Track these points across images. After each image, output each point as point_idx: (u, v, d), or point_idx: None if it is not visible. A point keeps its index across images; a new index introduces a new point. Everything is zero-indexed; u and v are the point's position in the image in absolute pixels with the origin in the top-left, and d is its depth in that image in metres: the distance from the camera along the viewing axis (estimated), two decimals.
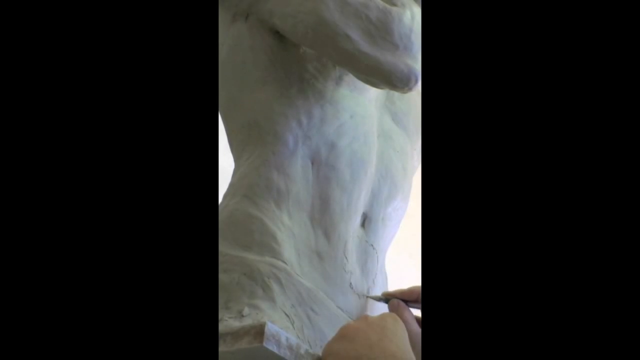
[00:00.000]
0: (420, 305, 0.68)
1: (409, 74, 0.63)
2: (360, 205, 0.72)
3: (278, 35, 0.71)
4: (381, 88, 0.67)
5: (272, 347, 0.51)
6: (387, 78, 0.63)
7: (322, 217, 0.68)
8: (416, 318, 0.68)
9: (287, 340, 0.52)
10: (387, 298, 0.70)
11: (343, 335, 0.54)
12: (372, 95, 0.77)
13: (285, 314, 0.60)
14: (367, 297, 0.71)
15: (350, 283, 0.69)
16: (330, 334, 0.62)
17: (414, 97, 0.85)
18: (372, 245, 0.73)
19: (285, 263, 0.63)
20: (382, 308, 0.72)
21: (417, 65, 0.63)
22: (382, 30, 0.63)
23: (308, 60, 0.71)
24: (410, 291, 0.69)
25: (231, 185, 0.70)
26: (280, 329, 0.53)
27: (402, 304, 0.69)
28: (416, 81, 0.64)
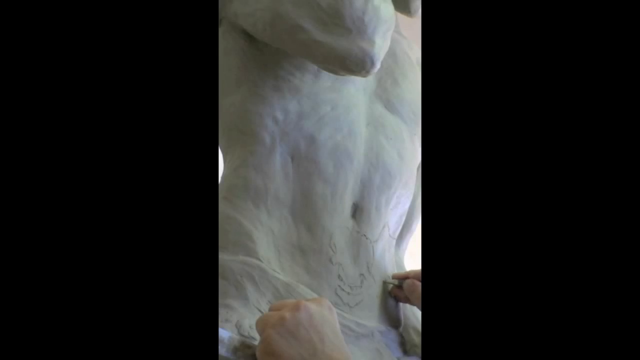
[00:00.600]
0: None
1: (363, 57, 0.62)
2: (347, 196, 0.71)
3: (250, 36, 0.71)
4: (341, 74, 0.66)
5: None
6: (342, 63, 0.62)
7: (304, 211, 0.68)
8: None
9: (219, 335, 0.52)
10: (401, 281, 0.72)
11: (285, 329, 0.51)
12: (358, 85, 0.76)
13: (260, 310, 0.60)
14: (384, 282, 0.72)
15: (339, 275, 0.68)
16: None
17: (412, 82, 0.83)
18: (364, 235, 0.72)
19: (260, 260, 0.63)
20: None
21: (373, 48, 0.62)
22: (333, 16, 0.62)
23: (283, 57, 0.71)
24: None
25: None
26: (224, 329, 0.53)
27: (418, 283, 0.71)
28: (372, 63, 0.62)
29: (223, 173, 0.72)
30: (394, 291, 0.73)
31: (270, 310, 0.55)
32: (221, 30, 0.74)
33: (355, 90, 0.76)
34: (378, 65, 0.63)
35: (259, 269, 0.62)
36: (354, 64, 0.62)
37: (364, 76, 0.64)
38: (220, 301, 0.59)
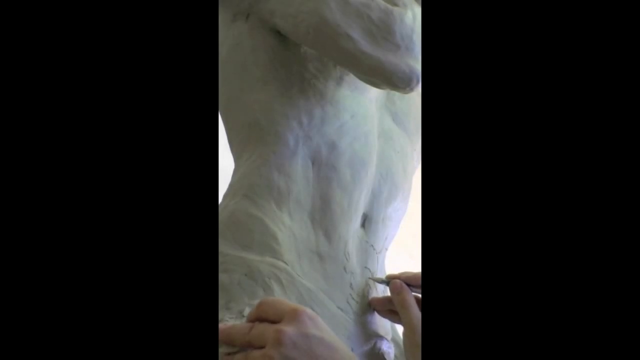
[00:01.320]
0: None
1: (410, 74, 0.63)
2: (360, 206, 0.72)
3: (279, 35, 0.71)
4: (382, 88, 0.67)
5: None
6: (388, 78, 0.63)
7: (323, 217, 0.68)
8: (417, 299, 0.68)
9: None
10: (389, 280, 0.70)
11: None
12: (372, 96, 0.77)
13: None
14: (370, 278, 0.71)
15: (351, 284, 0.68)
16: None
17: (414, 98, 0.84)
18: (372, 245, 0.73)
19: (286, 263, 0.63)
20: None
21: (418, 66, 0.63)
22: (384, 31, 0.62)
23: (309, 60, 0.71)
24: (416, 277, 0.69)
25: (231, 185, 0.70)
26: None
27: (405, 285, 0.68)
28: (417, 82, 0.63)
29: (239, 170, 0.71)
30: (374, 302, 0.72)
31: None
32: (248, 26, 0.73)
33: (369, 102, 0.77)
34: (420, 84, 0.64)
35: (285, 273, 0.62)
36: (400, 80, 0.63)
37: (407, 92, 0.65)
38: (249, 302, 0.58)
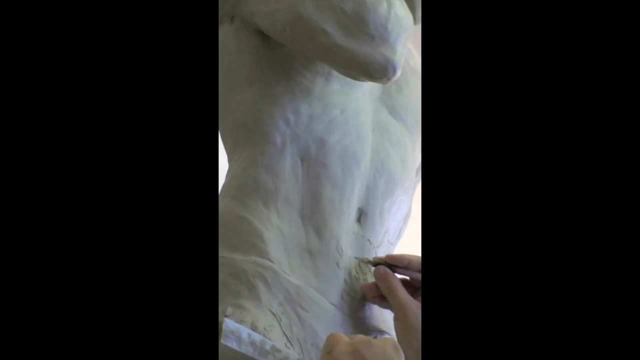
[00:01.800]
0: (408, 273, 0.67)
1: (385, 64, 0.62)
2: (354, 201, 0.71)
3: (263, 35, 0.71)
4: (361, 80, 0.67)
5: (232, 344, 0.50)
6: (364, 70, 0.62)
7: (313, 214, 0.68)
8: (402, 280, 0.67)
9: (250, 336, 0.52)
10: (375, 262, 0.69)
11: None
12: (365, 89, 0.76)
13: (272, 312, 0.59)
14: (356, 258, 0.70)
15: (345, 279, 0.68)
16: (322, 331, 0.62)
17: (413, 89, 0.83)
18: (369, 240, 0.72)
19: (272, 262, 0.63)
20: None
21: (395, 56, 0.62)
22: (357, 22, 0.62)
23: (294, 58, 0.71)
24: (401, 257, 0.68)
25: (222, 186, 0.71)
26: (240, 324, 0.53)
27: (390, 271, 0.67)
28: (394, 71, 0.63)
29: (230, 171, 0.71)
30: (365, 288, 0.70)
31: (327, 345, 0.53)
32: (233, 28, 0.74)
33: (362, 95, 0.76)
34: (399, 73, 0.63)
35: (271, 271, 0.62)
36: (376, 70, 0.62)
37: (384, 83, 0.64)
38: (233, 301, 0.59)
